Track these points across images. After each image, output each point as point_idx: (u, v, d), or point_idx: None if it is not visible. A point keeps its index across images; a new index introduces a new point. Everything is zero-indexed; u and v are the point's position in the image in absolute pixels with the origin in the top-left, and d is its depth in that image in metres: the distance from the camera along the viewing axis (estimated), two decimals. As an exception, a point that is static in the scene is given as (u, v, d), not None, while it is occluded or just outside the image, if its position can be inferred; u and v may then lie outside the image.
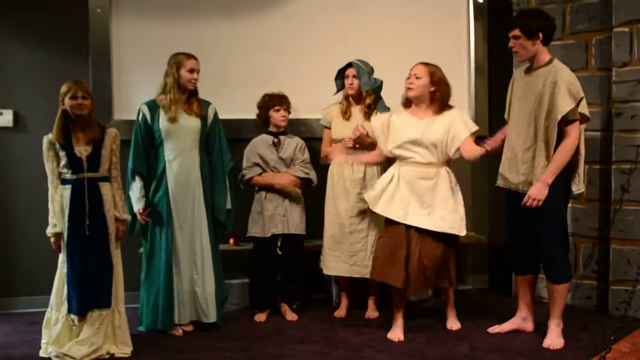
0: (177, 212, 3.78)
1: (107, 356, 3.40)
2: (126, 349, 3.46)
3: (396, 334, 3.73)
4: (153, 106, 3.81)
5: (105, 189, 3.42)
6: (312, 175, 4.20)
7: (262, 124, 4.25)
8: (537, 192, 3.38)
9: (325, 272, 4.18)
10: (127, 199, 3.76)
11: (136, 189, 3.76)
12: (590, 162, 4.18)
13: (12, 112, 4.35)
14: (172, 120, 3.74)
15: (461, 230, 3.72)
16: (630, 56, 4.00)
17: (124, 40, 4.47)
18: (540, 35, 3.41)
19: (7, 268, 4.40)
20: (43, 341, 3.42)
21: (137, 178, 3.77)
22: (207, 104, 3.91)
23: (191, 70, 3.78)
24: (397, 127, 3.79)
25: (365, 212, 4.05)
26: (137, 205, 3.75)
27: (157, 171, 3.78)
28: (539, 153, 3.42)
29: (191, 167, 3.81)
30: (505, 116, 3.71)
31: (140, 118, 3.80)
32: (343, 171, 4.11)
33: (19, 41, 4.36)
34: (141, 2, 4.49)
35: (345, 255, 4.08)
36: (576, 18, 4.32)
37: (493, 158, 3.95)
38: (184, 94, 3.82)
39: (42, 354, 3.40)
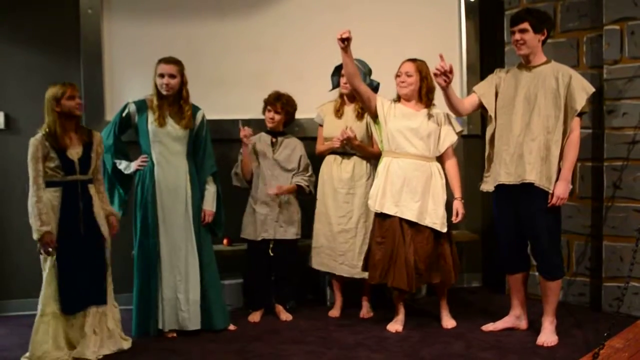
0: (163, 216, 3.75)
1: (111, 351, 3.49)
2: (125, 343, 3.55)
3: (395, 326, 3.85)
4: (142, 106, 3.79)
5: (92, 190, 3.49)
6: (312, 186, 4.18)
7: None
8: (563, 191, 3.45)
9: (314, 266, 4.16)
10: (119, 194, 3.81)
11: (123, 164, 3.78)
12: (582, 160, 4.20)
13: (3, 114, 4.34)
14: (157, 123, 3.72)
15: (443, 227, 3.74)
16: (621, 54, 4.02)
17: (115, 41, 4.45)
18: (545, 32, 3.52)
19: (1, 271, 4.37)
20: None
21: (119, 157, 3.78)
22: (195, 109, 3.83)
23: (161, 75, 3.70)
24: (397, 113, 3.80)
25: (354, 212, 4.06)
26: (131, 167, 3.75)
27: (146, 173, 3.76)
28: (553, 142, 3.46)
29: (179, 173, 3.77)
30: (491, 113, 3.68)
31: (124, 114, 3.79)
32: (332, 171, 4.11)
33: (9, 43, 4.34)
34: (133, 3, 4.47)
35: (333, 254, 4.09)
36: (567, 16, 4.34)
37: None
38: (166, 99, 3.75)
39: None
